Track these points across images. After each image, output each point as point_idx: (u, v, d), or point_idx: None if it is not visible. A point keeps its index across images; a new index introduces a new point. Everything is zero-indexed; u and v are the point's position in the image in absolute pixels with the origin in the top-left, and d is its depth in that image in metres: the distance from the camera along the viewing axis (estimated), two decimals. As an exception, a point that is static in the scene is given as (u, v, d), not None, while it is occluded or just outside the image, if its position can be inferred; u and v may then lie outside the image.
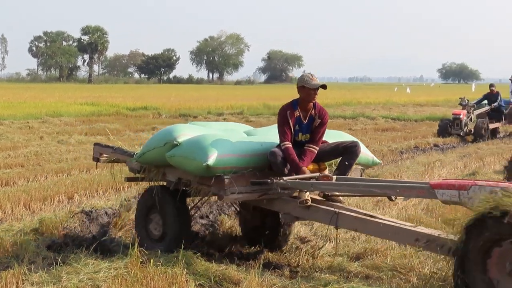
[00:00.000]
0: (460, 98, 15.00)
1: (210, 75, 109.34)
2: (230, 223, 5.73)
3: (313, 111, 4.40)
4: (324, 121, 4.40)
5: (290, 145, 4.23)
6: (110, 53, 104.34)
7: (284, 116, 4.31)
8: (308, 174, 4.14)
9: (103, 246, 4.91)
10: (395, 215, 5.92)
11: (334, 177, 4.14)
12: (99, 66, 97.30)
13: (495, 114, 15.01)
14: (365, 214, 4.00)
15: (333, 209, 4.05)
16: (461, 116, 14.07)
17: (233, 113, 23.56)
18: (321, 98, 40.42)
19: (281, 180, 4.07)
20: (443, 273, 3.91)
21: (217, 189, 4.14)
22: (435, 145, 12.99)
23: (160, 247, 4.46)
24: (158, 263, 3.98)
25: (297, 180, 4.10)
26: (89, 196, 7.06)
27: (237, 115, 22.55)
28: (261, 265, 4.10)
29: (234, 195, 4.12)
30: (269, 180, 4.07)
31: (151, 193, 4.76)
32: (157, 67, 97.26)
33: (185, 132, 4.45)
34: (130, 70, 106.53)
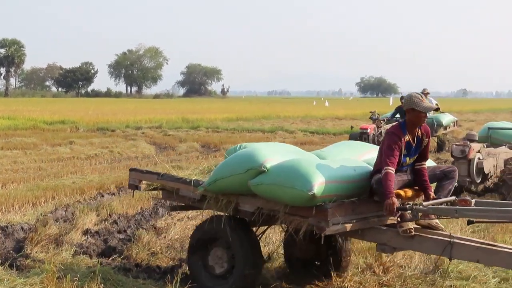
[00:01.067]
0: (370, 112, 15.17)
1: (129, 88, 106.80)
2: (148, 237, 5.72)
3: (419, 131, 4.07)
4: (429, 138, 4.10)
5: (393, 172, 3.77)
6: (27, 66, 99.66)
7: (394, 142, 3.89)
8: (395, 202, 3.67)
9: (19, 261, 4.76)
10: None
11: (473, 201, 3.71)
12: (15, 80, 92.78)
13: None
14: (482, 243, 3.58)
15: (445, 238, 3.60)
16: (368, 131, 14.08)
17: (152, 126, 23.29)
18: (240, 111, 40.22)
19: (421, 206, 3.66)
20: None
21: (317, 220, 3.67)
22: None
23: (224, 285, 4.12)
24: (74, 279, 3.91)
25: (440, 206, 3.68)
26: (5, 211, 6.85)
27: (155, 129, 22.33)
28: (179, 280, 4.01)
29: (336, 227, 3.68)
30: (410, 206, 3.64)
31: (213, 224, 4.23)
32: (75, 80, 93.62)
33: (270, 157, 3.92)
34: (47, 83, 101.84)
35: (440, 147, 15.24)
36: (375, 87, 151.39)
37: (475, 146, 8.70)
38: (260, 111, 37.57)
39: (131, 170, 4.94)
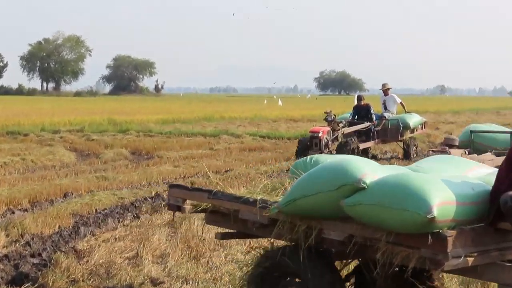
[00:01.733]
0: (325, 113, 14.98)
1: (45, 84, 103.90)
2: (67, 262, 5.60)
3: None
4: None
5: None
6: None
7: None
8: None
9: None
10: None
11: None
12: None
13: (365, 131, 15.19)
14: None
15: None
16: (320, 134, 14.00)
17: (72, 130, 22.87)
18: (177, 112, 40.06)
19: None
20: None
21: (432, 252, 3.24)
22: None
23: None
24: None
25: None
26: None
27: (76, 133, 21.92)
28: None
29: (456, 261, 3.26)
30: None
31: (285, 255, 3.82)
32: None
33: (369, 171, 3.52)
34: None
35: (406, 154, 15.40)
36: (337, 83, 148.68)
37: (455, 152, 8.58)
38: (201, 111, 37.65)
39: (172, 186, 4.60)
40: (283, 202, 3.75)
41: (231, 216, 4.13)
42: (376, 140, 15.42)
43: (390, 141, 16.37)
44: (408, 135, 15.56)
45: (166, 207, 7.87)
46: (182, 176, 11.81)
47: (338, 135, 14.43)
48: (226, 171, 12.40)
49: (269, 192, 4.27)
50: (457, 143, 9.31)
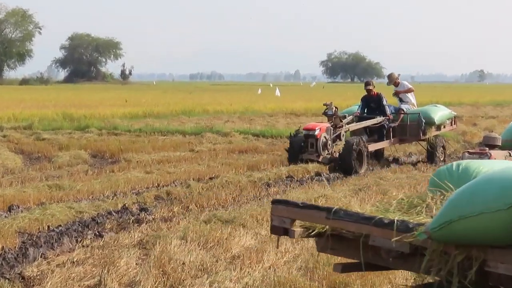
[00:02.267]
0: (324, 105, 14.85)
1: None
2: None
3: None
4: None
5: None
6: None
7: None
8: None
9: None
10: (259, 277, 6.17)
11: None
12: None
13: (377, 128, 15.06)
14: None
15: None
16: (316, 133, 13.84)
17: (17, 127, 22.84)
18: (149, 104, 39.95)
19: None
20: None
21: None
22: (318, 174, 13.24)
23: None
24: None
25: None
26: None
27: (23, 130, 21.89)
28: None
29: None
30: None
31: None
32: None
33: None
34: None
35: (431, 156, 15.45)
36: (348, 68, 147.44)
37: (497, 154, 8.53)
38: (179, 103, 37.72)
39: (276, 202, 4.28)
40: (434, 225, 3.46)
41: (359, 243, 3.82)
42: (392, 139, 15.36)
43: (410, 141, 16.34)
44: (432, 132, 15.54)
45: (137, 223, 7.91)
46: (156, 184, 11.84)
47: (341, 133, 14.36)
48: (210, 178, 12.44)
49: (405, 211, 3.98)
50: (499, 143, 9.13)
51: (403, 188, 11.40)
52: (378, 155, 15.62)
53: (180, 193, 10.65)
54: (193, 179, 12.12)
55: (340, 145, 14.34)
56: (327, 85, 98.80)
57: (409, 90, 16.09)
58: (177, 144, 18.78)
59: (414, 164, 15.29)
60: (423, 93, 69.29)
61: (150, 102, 39.35)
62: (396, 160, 16.09)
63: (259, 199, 10.76)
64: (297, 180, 12.58)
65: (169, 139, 20.23)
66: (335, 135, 14.21)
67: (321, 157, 13.78)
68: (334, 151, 14.13)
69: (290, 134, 14.82)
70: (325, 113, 14.64)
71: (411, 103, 15.96)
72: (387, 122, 15.13)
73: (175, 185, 11.58)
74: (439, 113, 15.72)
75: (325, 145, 13.90)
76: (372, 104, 15.23)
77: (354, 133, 15.02)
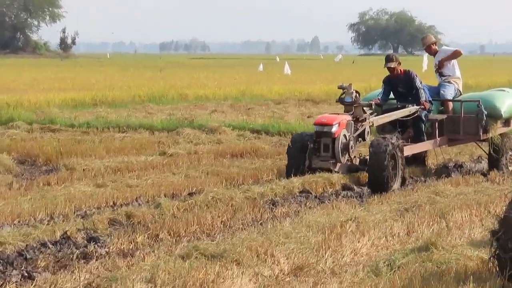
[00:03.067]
0: (340, 88, 14.76)
1: None
2: None
3: None
4: None
5: None
6: None
7: None
8: None
9: None
10: None
11: None
12: None
13: (413, 122, 15.03)
14: None
15: None
16: (334, 129, 13.72)
17: None
18: (100, 86, 40.00)
19: None
20: None
21: None
22: (347, 188, 13.32)
23: None
24: None
25: None
26: None
27: None
28: None
29: None
30: None
31: None
32: None
33: None
34: None
35: (494, 163, 15.43)
36: (390, 34, 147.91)
37: None
38: (145, 85, 37.79)
39: None
40: None
41: None
42: (438, 139, 15.30)
43: (464, 142, 16.27)
44: (497, 129, 15.38)
45: (84, 259, 7.90)
46: (111, 203, 11.84)
47: (364, 129, 14.29)
48: (190, 194, 12.44)
49: None
50: None
51: (470, 208, 11.42)
52: (417, 160, 15.62)
53: (146, 216, 10.62)
54: (165, 196, 12.12)
55: (364, 146, 14.68)
56: (359, 59, 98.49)
57: (455, 54, 15.98)
58: (142, 144, 18.84)
59: (485, 174, 15.28)
60: (496, 69, 69.01)
61: (103, 84, 39.45)
62: (458, 167, 16.02)
63: (261, 223, 10.73)
64: (315, 197, 12.61)
65: (130, 138, 20.31)
66: (357, 132, 14.15)
67: (338, 165, 13.75)
68: (355, 156, 14.17)
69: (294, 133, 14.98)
70: (341, 100, 14.63)
71: (455, 78, 15.87)
72: (424, 113, 15.07)
73: (139, 204, 11.58)
74: (508, 102, 15.40)
75: (345, 148, 13.81)
76: (399, 87, 15.32)
77: (381, 129, 15.28)
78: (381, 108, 15.20)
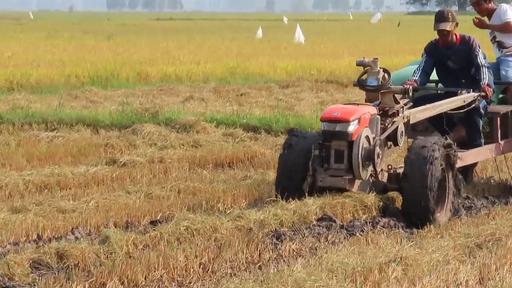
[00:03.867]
0: (359, 64, 14.59)
1: None
2: None
3: None
4: None
5: None
6: None
7: None
8: None
9: None
10: None
11: None
12: None
13: (467, 115, 14.93)
14: None
15: None
16: (351, 128, 13.42)
17: None
18: (14, 62, 40.10)
19: None
20: None
21: None
22: (389, 213, 13.41)
23: None
24: None
25: None
26: None
27: None
28: None
29: None
30: None
31: None
32: None
33: None
34: None
35: None
36: None
37: None
38: (85, 59, 37.92)
39: None
40: None
41: None
42: (501, 142, 15.32)
43: None
44: None
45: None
46: (34, 236, 11.85)
47: (397, 128, 14.06)
48: (153, 222, 12.55)
49: None
50: None
51: None
52: (464, 173, 15.24)
53: (87, 256, 10.62)
54: (116, 225, 12.13)
55: (395, 153, 14.89)
56: (407, 20, 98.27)
57: (505, 27, 15.75)
58: (80, 149, 18.90)
59: None
60: None
61: (23, 59, 39.60)
62: None
63: (259, 267, 10.82)
64: (342, 227, 12.64)
65: (63, 139, 20.42)
66: (386, 133, 13.95)
67: (357, 183, 13.56)
68: (382, 169, 13.92)
69: (293, 129, 14.71)
70: (360, 84, 14.37)
71: None
72: (484, 103, 15.03)
73: (76, 238, 11.58)
74: None
75: (369, 156, 13.47)
76: (450, 61, 15.35)
77: (418, 128, 15.28)
78: (413, 95, 14.90)
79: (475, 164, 15.73)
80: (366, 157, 13.34)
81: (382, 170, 13.76)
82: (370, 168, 13.54)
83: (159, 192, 14.53)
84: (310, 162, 13.45)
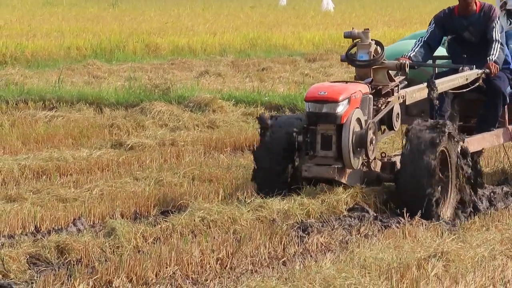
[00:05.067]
0: (347, 36, 14.31)
1: None
2: None
3: None
4: None
5: None
6: None
7: None
8: None
9: None
10: None
11: None
12: None
13: (490, 96, 14.69)
14: None
15: None
16: (340, 110, 13.11)
17: None
18: (11, 33, 40.08)
19: None
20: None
21: None
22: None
23: None
24: None
25: None
26: None
27: None
28: None
29: None
30: None
31: None
32: None
33: None
34: None
35: None
36: None
37: None
38: (88, 29, 37.82)
39: None
40: None
41: None
42: (509, 127, 15.16)
43: None
44: None
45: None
46: (31, 228, 11.90)
47: (392, 109, 13.87)
48: (164, 212, 12.62)
49: None
50: None
51: None
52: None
53: (91, 250, 10.69)
54: (123, 216, 12.18)
55: (388, 140, 14.56)
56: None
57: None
58: (82, 130, 19.01)
59: None
60: None
61: (16, 28, 39.66)
62: None
63: (283, 262, 10.91)
64: (376, 218, 12.68)
65: (63, 119, 20.55)
66: (379, 115, 13.76)
67: (347, 172, 13.33)
68: (375, 157, 13.72)
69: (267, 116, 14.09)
70: (349, 59, 14.18)
71: None
72: (498, 81, 14.71)
73: (79, 231, 11.64)
74: None
75: (361, 142, 13.23)
76: (468, 32, 15.11)
77: (408, 110, 14.92)
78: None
79: (480, 153, 15.07)
80: (357, 143, 13.00)
81: (375, 158, 13.50)
82: (362, 155, 13.26)
83: (171, 179, 14.58)
84: (294, 149, 13.23)
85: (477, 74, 14.21)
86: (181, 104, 21.50)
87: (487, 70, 14.22)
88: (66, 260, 10.40)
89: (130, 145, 17.34)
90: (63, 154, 16.50)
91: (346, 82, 14.01)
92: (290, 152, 13.12)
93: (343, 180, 13.05)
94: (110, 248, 10.71)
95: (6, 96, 22.51)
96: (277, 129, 13.32)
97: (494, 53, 14.34)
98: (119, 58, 31.16)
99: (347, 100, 12.96)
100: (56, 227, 11.88)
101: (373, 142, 13.04)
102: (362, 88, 13.27)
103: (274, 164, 13.11)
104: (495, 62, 14.27)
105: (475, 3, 14.66)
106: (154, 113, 20.58)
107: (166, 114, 20.51)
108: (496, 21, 14.52)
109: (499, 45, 14.44)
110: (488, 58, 14.29)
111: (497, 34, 14.44)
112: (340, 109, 12.91)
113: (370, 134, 12.92)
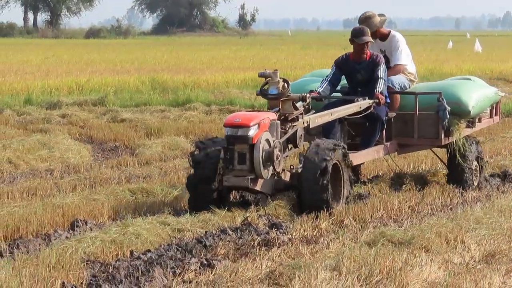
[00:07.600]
0: (261, 75, 12.90)
1: (31, 18, 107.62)
2: None
3: None
4: None
5: None
6: None
7: None
8: None
9: None
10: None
11: None
12: None
13: (371, 121, 13.23)
14: None
15: None
16: (251, 133, 11.89)
17: (83, 102, 23.11)
18: (281, 65, 39.95)
19: None
20: None
21: None
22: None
23: None
24: None
25: None
26: None
27: (92, 107, 22.33)
28: None
29: None
30: None
31: None
32: None
33: None
34: None
35: (455, 175, 12.94)
36: None
37: None
38: (328, 64, 37.49)
39: None
40: None
41: None
42: (387, 144, 13.46)
43: (419, 148, 13.91)
44: (461, 131, 13.15)
45: (265, 247, 8.24)
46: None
47: (297, 132, 12.63)
48: (376, 176, 12.52)
49: None
50: None
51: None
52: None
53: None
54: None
55: (292, 156, 13.14)
56: None
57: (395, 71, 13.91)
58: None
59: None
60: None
61: (284, 63, 39.55)
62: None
63: (450, 208, 11.02)
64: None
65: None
66: (285, 136, 12.48)
67: (259, 182, 11.99)
68: (284, 170, 12.37)
69: (197, 144, 12.63)
70: (262, 93, 12.86)
71: (408, 73, 14.15)
72: (384, 110, 13.36)
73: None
74: (476, 94, 13.25)
75: (269, 158, 11.95)
76: (360, 74, 13.70)
77: (309, 131, 13.21)
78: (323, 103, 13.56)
79: (361, 164, 13.88)
80: (266, 158, 11.80)
81: (284, 170, 12.24)
82: (271, 168, 12.00)
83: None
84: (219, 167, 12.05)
85: (369, 103, 12.98)
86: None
87: (377, 100, 12.99)
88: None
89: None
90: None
91: (258, 111, 13.08)
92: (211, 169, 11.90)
93: (257, 188, 11.91)
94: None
95: (197, 99, 23.01)
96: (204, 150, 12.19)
97: (380, 86, 13.09)
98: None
99: (257, 125, 11.82)
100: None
101: (279, 158, 11.89)
102: (270, 116, 12.13)
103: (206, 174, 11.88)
104: (381, 93, 13.04)
105: (366, 53, 13.35)
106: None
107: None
108: (381, 65, 13.22)
109: (383, 81, 13.12)
110: (375, 90, 13.03)
111: (382, 73, 13.17)
112: (252, 132, 11.76)
113: (276, 151, 11.79)
